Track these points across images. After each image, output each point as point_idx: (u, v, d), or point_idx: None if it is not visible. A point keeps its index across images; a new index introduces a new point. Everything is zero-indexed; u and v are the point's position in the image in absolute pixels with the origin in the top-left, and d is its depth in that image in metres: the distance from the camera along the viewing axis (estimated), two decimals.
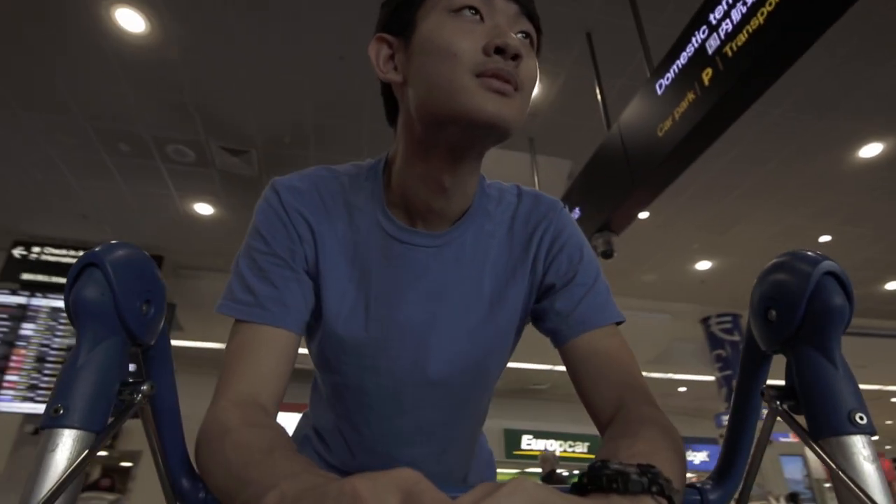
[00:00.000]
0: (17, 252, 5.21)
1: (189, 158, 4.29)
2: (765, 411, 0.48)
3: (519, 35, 0.60)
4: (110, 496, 4.09)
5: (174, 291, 6.15)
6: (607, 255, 2.65)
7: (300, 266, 0.62)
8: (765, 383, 0.48)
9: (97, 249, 0.41)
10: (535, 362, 8.78)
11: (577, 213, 2.94)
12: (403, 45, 0.60)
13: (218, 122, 3.96)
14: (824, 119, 3.90)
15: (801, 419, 0.42)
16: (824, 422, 0.39)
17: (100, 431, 0.37)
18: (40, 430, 0.36)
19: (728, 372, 6.54)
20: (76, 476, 0.34)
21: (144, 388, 0.42)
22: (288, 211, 0.64)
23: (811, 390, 0.40)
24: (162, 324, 0.45)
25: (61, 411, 0.36)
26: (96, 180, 4.55)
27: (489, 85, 0.54)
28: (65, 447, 0.35)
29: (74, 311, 0.39)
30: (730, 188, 4.72)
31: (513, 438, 10.41)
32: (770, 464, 6.65)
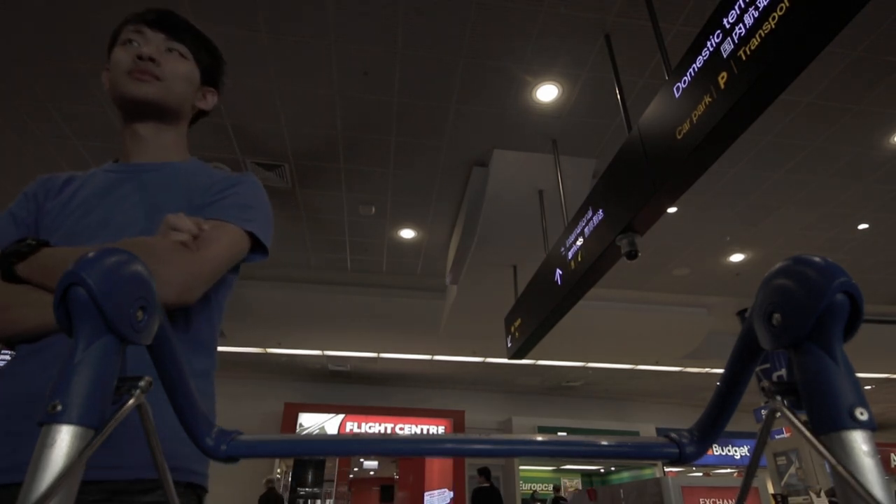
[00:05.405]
0: None
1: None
2: (764, 412, 0.48)
3: (168, 51, 0.97)
4: None
5: None
6: (631, 255, 2.66)
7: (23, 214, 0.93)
8: (758, 365, 0.50)
9: (81, 264, 0.39)
10: (568, 359, 8.78)
11: (600, 214, 2.98)
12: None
13: (252, 140, 4.16)
14: (855, 106, 3.81)
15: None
16: (825, 417, 0.39)
17: (98, 427, 0.37)
18: (39, 426, 0.36)
19: (766, 365, 6.40)
20: (75, 471, 0.35)
21: (142, 383, 0.41)
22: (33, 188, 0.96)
23: (812, 386, 0.40)
24: (158, 323, 0.45)
25: (59, 408, 0.36)
26: None
27: (134, 77, 0.93)
28: (63, 443, 0.35)
29: (66, 322, 0.40)
30: (760, 180, 4.64)
31: None
32: (811, 457, 6.45)
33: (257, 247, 0.92)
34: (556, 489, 10.17)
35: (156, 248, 0.74)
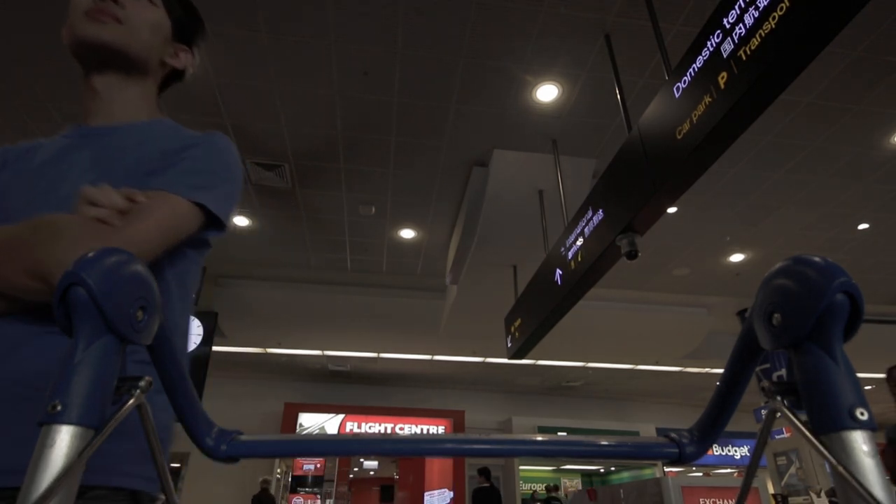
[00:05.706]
0: None
1: None
2: (764, 412, 0.49)
3: None
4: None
5: (216, 300, 6.44)
6: (632, 255, 2.66)
7: None
8: (758, 365, 0.50)
9: (81, 264, 0.39)
10: (568, 360, 8.78)
11: (600, 214, 2.98)
12: None
13: (252, 140, 4.16)
14: (855, 106, 3.81)
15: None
16: (825, 417, 0.39)
17: (98, 427, 0.37)
18: (39, 426, 0.36)
19: (766, 365, 6.41)
20: (74, 472, 0.35)
21: (142, 383, 0.41)
22: None
23: (812, 386, 0.40)
24: (158, 323, 0.45)
25: (59, 408, 0.36)
26: None
27: (91, 17, 0.84)
28: (63, 443, 0.35)
29: (66, 321, 0.39)
30: (760, 180, 4.64)
31: None
32: (811, 457, 6.46)
33: (214, 220, 0.79)
34: (549, 489, 10.10)
35: (63, 226, 0.64)
